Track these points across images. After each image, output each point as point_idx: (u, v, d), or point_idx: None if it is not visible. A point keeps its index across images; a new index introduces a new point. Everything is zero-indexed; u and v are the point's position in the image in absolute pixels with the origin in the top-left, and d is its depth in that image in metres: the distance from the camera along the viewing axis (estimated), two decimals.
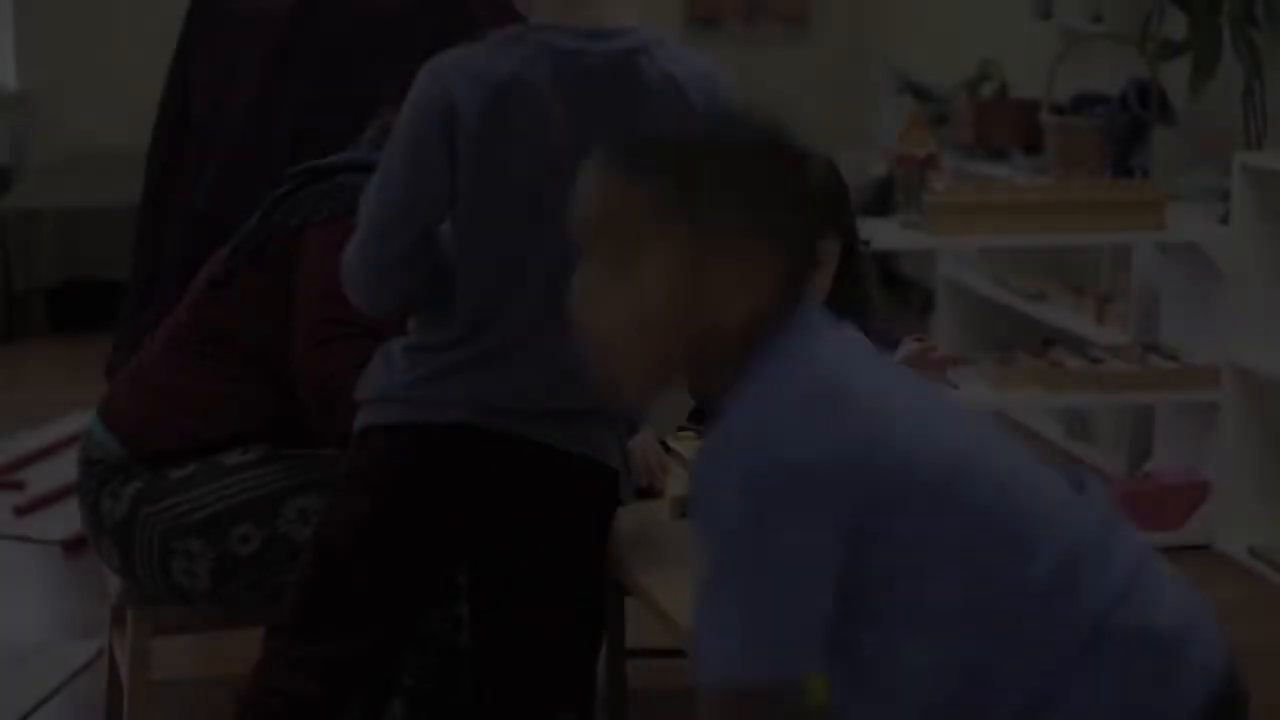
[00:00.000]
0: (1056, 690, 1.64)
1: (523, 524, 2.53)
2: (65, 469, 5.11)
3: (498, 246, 2.39)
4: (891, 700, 1.67)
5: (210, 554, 2.87)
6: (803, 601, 1.59)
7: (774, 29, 8.72)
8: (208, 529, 2.86)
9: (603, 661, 3.29)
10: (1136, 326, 5.15)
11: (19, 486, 5.18)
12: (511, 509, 2.51)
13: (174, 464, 2.91)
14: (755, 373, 1.64)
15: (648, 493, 2.86)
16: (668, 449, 2.89)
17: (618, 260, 1.65)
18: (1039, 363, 4.87)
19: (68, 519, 4.67)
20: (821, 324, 1.70)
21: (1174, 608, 1.71)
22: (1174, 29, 5.12)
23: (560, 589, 2.58)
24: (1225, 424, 4.71)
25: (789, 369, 1.64)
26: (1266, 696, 3.82)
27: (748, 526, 1.58)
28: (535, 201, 2.36)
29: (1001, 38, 6.94)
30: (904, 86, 6.95)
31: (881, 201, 7.15)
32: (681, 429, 2.98)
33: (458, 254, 2.40)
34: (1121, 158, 5.23)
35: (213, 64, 3.90)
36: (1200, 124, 5.34)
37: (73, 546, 4.66)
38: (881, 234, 4.93)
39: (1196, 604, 1.75)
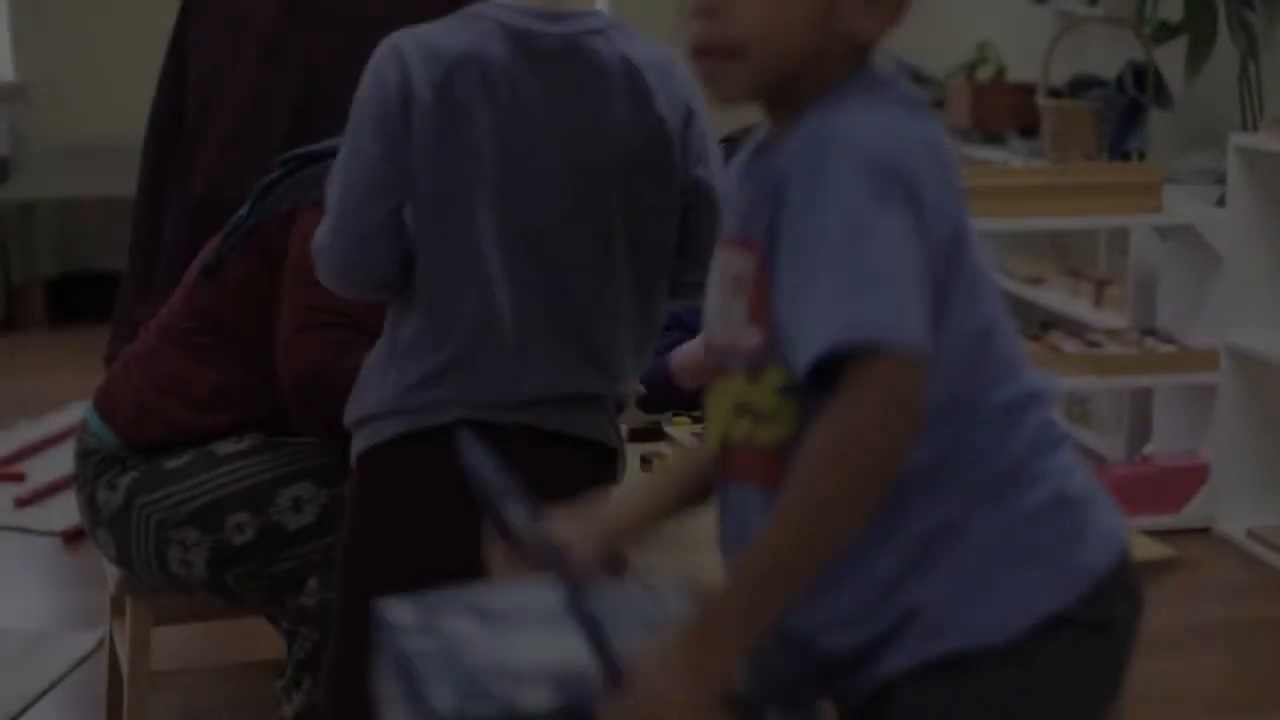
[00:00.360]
0: (968, 519, 1.66)
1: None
2: (65, 460, 5.10)
3: (451, 224, 2.37)
4: None
5: (206, 543, 2.87)
6: (922, 279, 1.58)
7: None
8: (203, 518, 2.86)
9: None
10: (1134, 310, 5.15)
11: (19, 478, 5.19)
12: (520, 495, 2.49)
13: (169, 454, 2.91)
14: (860, 84, 1.67)
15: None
16: (664, 435, 2.90)
17: None
18: (1037, 346, 4.88)
19: (68, 510, 4.68)
20: None
21: (1087, 482, 1.74)
22: (1170, 11, 5.12)
23: None
24: (1223, 406, 4.71)
25: (893, 91, 1.69)
26: (1266, 677, 3.85)
27: (869, 198, 1.57)
28: (486, 180, 2.35)
29: (998, 21, 6.94)
30: (900, 70, 6.94)
31: None
32: (676, 414, 2.98)
33: (415, 233, 2.39)
34: (1118, 140, 5.23)
35: (208, 53, 3.91)
36: (1196, 106, 5.34)
37: (73, 537, 4.68)
38: None
39: (1105, 491, 1.78)
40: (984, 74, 6.72)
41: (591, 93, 2.34)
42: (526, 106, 2.35)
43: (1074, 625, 1.70)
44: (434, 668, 1.66)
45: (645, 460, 2.74)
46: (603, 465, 2.52)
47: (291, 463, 2.89)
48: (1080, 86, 5.53)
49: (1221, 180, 4.91)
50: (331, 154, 2.89)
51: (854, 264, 1.56)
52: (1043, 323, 5.93)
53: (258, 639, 3.57)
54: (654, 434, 2.91)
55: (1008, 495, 1.68)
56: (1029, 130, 6.07)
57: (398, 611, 1.76)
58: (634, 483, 1.87)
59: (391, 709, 1.72)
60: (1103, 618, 1.73)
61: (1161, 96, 5.25)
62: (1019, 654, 1.68)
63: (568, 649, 1.64)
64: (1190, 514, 4.74)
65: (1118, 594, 1.74)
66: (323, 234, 2.42)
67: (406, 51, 2.35)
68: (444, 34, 2.37)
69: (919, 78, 6.85)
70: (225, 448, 2.91)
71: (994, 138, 6.21)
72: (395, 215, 2.37)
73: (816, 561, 1.58)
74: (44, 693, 3.74)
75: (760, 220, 1.66)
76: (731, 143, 2.55)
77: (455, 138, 2.33)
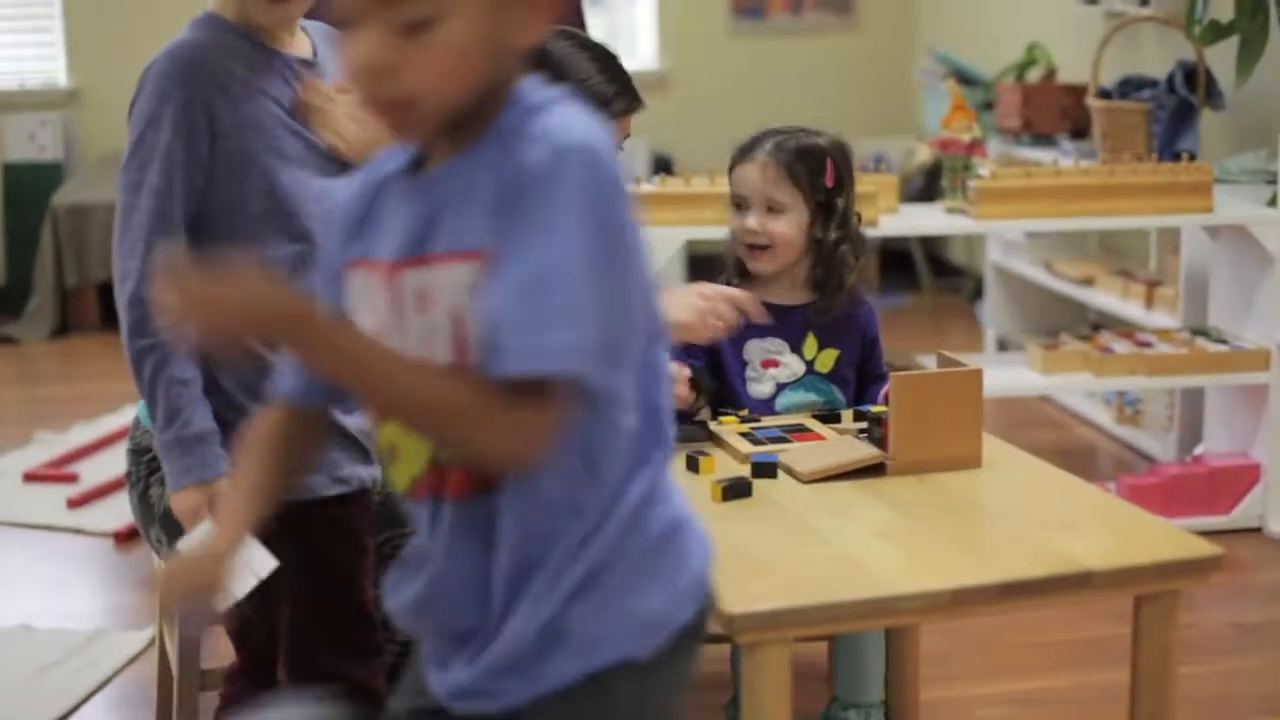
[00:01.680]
0: (604, 549, 1.78)
1: None
2: (118, 461, 5.15)
3: None
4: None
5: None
6: (627, 305, 1.71)
7: (820, 18, 8.71)
8: None
9: None
10: (1185, 310, 5.13)
11: (73, 479, 5.23)
12: None
13: None
14: (545, 97, 1.75)
15: None
16: (710, 434, 2.90)
17: (421, 12, 1.67)
18: (1088, 347, 4.86)
19: (120, 511, 4.71)
20: None
21: (681, 503, 1.87)
22: (1220, 11, 5.10)
23: None
24: (1275, 406, 4.68)
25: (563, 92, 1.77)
26: None
27: (604, 224, 1.67)
28: None
29: (1048, 22, 6.92)
30: (950, 73, 6.94)
31: (929, 189, 7.14)
32: (722, 412, 2.98)
33: None
34: (1168, 141, 5.20)
35: None
36: (1247, 106, 5.31)
37: (124, 538, 4.71)
38: (927, 219, 4.92)
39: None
40: (1034, 75, 6.70)
41: None
42: None
43: (693, 636, 1.85)
44: None
45: (691, 459, 2.74)
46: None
47: None
48: (1130, 87, 5.51)
49: (1272, 180, 4.88)
50: None
51: (566, 291, 1.64)
52: (1094, 323, 5.92)
53: None
54: (699, 433, 2.91)
55: (635, 527, 1.80)
56: (1079, 131, 6.05)
57: None
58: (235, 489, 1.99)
59: None
60: (706, 624, 1.90)
61: (1212, 97, 5.23)
62: (651, 668, 1.81)
63: None
64: (1241, 514, 4.72)
65: (710, 599, 1.89)
66: None
67: None
68: None
69: (968, 79, 6.84)
70: None
71: (1044, 139, 6.19)
72: None
73: (390, 406, 1.73)
74: (96, 690, 3.77)
75: (474, 235, 1.71)
76: None
77: None
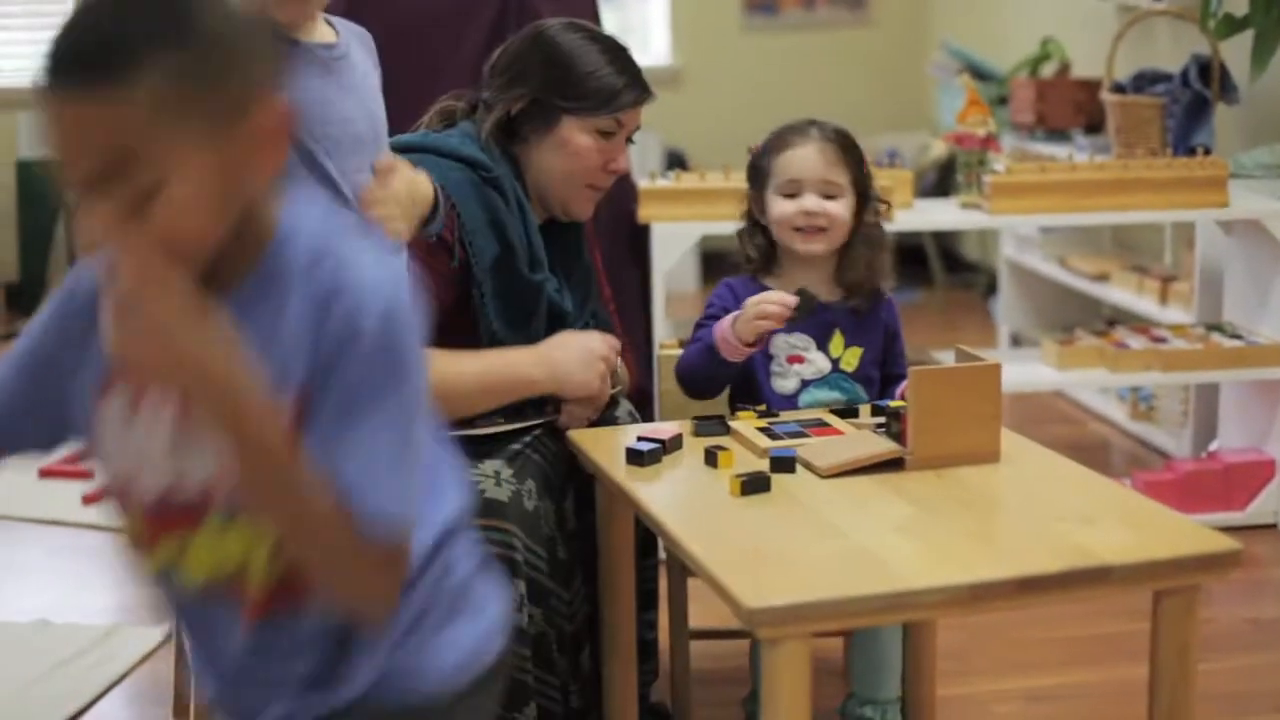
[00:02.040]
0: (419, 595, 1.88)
1: None
2: None
3: None
4: None
5: None
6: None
7: (833, 13, 8.70)
8: None
9: (666, 641, 3.31)
10: (1200, 305, 5.12)
11: (88, 475, 5.22)
12: None
13: None
14: (326, 234, 1.77)
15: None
16: (728, 429, 2.90)
17: (141, 181, 1.64)
18: (1102, 343, 4.86)
19: None
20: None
21: (478, 553, 1.99)
22: (1235, 5, 5.09)
23: None
24: None
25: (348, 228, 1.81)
26: None
27: (406, 373, 1.73)
28: None
29: (1062, 16, 6.91)
30: (964, 67, 6.93)
31: (943, 184, 7.13)
32: (740, 408, 2.98)
33: None
34: (1183, 135, 5.19)
35: None
36: (1262, 100, 5.31)
37: None
38: (941, 214, 4.92)
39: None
40: (1048, 70, 6.70)
41: None
42: None
43: (499, 670, 1.97)
44: None
45: (710, 454, 2.74)
46: None
47: None
48: (1145, 81, 5.50)
49: None
50: (404, 148, 2.94)
51: (386, 444, 1.71)
52: (1108, 319, 5.91)
53: None
54: (717, 428, 2.91)
55: (445, 574, 1.91)
56: (1093, 126, 6.04)
57: None
58: None
59: None
60: (507, 662, 2.01)
61: (1227, 91, 5.22)
62: (462, 698, 1.91)
63: None
64: (1257, 510, 4.71)
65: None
66: None
67: None
68: None
69: (983, 74, 6.84)
70: None
71: (1058, 134, 6.19)
72: None
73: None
74: (112, 685, 3.77)
75: (283, 373, 1.71)
76: None
77: None
